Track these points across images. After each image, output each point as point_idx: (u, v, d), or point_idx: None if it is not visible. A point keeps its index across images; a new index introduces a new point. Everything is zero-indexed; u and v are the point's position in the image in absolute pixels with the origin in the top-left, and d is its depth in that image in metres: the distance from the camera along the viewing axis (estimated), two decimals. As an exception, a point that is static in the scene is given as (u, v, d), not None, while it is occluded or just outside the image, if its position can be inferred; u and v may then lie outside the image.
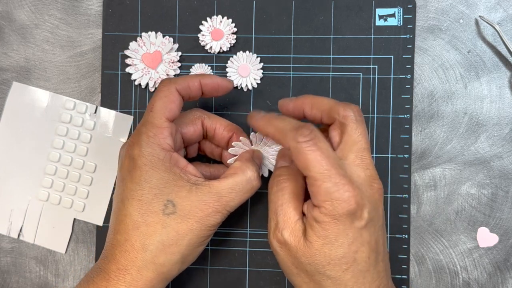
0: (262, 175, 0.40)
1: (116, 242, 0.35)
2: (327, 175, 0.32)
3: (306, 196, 0.35)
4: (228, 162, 0.40)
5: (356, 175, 0.34)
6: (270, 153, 0.40)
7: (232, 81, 0.41)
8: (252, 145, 0.40)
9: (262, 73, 0.43)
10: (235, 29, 0.43)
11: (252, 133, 0.39)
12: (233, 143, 0.39)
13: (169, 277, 0.36)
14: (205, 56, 0.44)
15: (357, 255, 0.33)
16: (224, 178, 0.36)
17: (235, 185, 0.36)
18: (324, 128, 0.37)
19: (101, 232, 0.44)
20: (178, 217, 0.35)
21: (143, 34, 0.43)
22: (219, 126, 0.40)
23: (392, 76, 0.43)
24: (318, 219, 0.32)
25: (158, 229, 0.34)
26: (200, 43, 0.44)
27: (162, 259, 0.35)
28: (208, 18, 0.43)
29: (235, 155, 0.39)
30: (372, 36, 0.43)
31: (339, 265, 0.33)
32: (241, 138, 0.39)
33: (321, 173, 0.32)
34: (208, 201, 0.35)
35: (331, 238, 0.32)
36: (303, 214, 0.35)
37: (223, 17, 0.43)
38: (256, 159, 0.39)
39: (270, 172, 0.40)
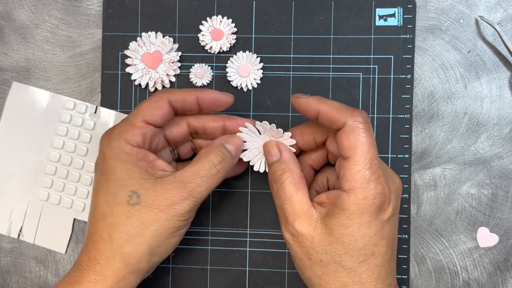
0: (260, 168, 0.40)
1: (88, 234, 0.36)
2: (368, 163, 0.32)
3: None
4: (244, 159, 0.39)
5: (383, 167, 0.34)
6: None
7: (233, 95, 0.39)
8: (260, 134, 0.39)
9: (262, 73, 0.43)
10: (235, 29, 0.43)
11: (257, 122, 0.39)
12: (240, 128, 0.39)
13: (140, 270, 0.35)
14: (205, 56, 0.44)
15: (376, 248, 0.33)
16: (189, 166, 0.36)
17: (199, 170, 0.36)
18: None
19: (101, 232, 0.44)
20: (142, 207, 0.35)
21: (143, 34, 0.43)
22: (206, 121, 0.39)
23: (392, 76, 0.43)
24: (343, 207, 0.33)
25: (123, 219, 0.35)
26: (200, 43, 0.44)
27: (128, 249, 0.35)
28: (208, 18, 0.43)
29: (245, 149, 0.39)
30: (372, 36, 0.43)
31: (356, 256, 0.33)
32: (247, 124, 0.39)
33: (365, 158, 0.32)
34: (173, 189, 0.35)
35: (353, 229, 0.32)
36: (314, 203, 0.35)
37: (223, 17, 0.43)
38: (230, 144, 0.38)
39: None
